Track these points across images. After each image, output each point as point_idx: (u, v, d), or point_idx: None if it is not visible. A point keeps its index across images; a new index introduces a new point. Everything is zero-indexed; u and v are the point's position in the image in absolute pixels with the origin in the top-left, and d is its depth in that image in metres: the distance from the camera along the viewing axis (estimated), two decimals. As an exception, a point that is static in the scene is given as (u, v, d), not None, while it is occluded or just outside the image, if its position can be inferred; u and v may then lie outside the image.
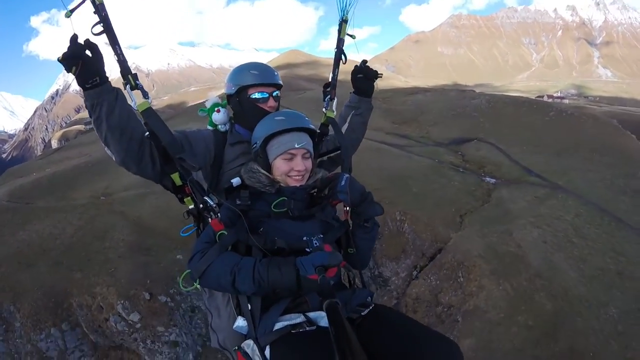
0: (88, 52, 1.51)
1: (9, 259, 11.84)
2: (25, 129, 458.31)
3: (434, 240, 14.94)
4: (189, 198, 1.86)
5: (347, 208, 1.77)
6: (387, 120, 40.36)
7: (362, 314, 1.51)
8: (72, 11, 1.55)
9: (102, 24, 1.57)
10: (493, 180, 20.80)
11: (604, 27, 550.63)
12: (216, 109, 2.03)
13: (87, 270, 11.45)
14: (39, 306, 10.52)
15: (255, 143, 1.76)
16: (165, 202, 16.02)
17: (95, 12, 1.56)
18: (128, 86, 1.66)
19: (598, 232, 14.22)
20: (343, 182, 1.66)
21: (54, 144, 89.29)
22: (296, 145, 1.67)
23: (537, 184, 19.98)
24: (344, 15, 2.18)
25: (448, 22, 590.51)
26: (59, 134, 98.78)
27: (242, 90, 1.96)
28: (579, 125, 32.47)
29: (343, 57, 2.26)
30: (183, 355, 11.08)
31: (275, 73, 2.06)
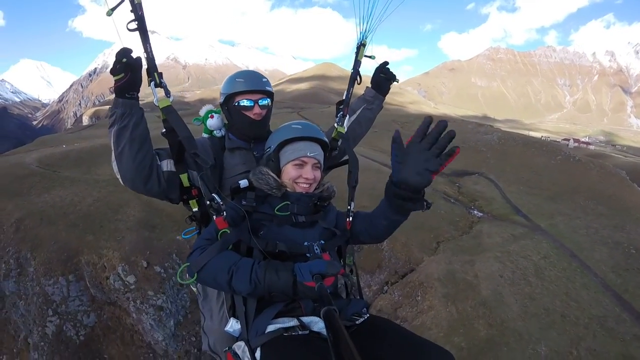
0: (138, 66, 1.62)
1: (33, 215, 13.88)
2: (60, 100, 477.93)
3: (408, 260, 16.26)
4: (194, 201, 1.89)
5: (350, 218, 1.82)
6: (398, 143, 41.82)
7: (357, 323, 1.52)
8: (112, 10, 1.63)
9: (137, 22, 1.65)
10: (480, 214, 22.14)
11: None
12: (210, 115, 2.05)
13: (99, 235, 13.36)
14: (52, 257, 12.45)
15: (268, 147, 1.80)
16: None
17: (132, 11, 1.64)
18: (153, 83, 1.73)
19: (559, 275, 15.05)
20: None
21: (85, 119, 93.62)
22: (308, 154, 1.72)
23: (520, 223, 21.13)
24: (362, 39, 2.27)
25: (485, 54, 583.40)
26: (91, 110, 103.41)
27: (230, 99, 1.99)
28: (584, 173, 32.96)
29: (358, 78, 2.36)
30: (165, 319, 12.78)
31: (264, 80, 2.05)
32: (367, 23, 2.19)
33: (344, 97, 2.33)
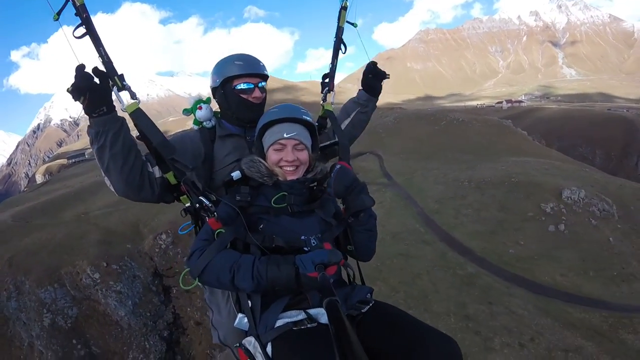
0: (96, 81, 1.49)
1: (20, 252, 19.82)
2: (8, 163, 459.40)
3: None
4: (185, 196, 1.79)
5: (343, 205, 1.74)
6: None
7: (362, 310, 1.51)
8: (58, 14, 1.52)
9: (84, 26, 1.54)
10: (356, 186, 28.03)
11: (567, 28, 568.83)
12: (198, 106, 1.97)
13: (71, 254, 19.53)
14: (41, 275, 18.52)
15: (254, 135, 1.77)
16: (125, 216, 24.27)
17: (76, 14, 1.52)
18: (115, 88, 1.59)
19: (383, 212, 19.76)
20: (332, 174, 1.67)
21: (39, 178, 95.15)
22: (285, 135, 1.65)
23: (382, 183, 26.74)
24: (342, 1, 2.16)
25: (417, 37, 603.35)
26: (42, 168, 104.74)
27: (227, 82, 1.90)
28: (464, 130, 39.72)
29: (343, 46, 2.23)
30: (125, 300, 19.12)
31: (261, 64, 1.96)
32: None
33: (328, 70, 2.26)
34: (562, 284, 15.20)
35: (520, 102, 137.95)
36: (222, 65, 1.93)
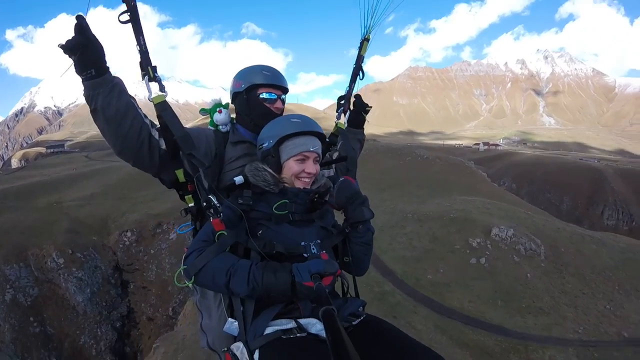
0: (91, 38, 1.44)
1: (-8, 230, 21.38)
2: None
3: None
4: (190, 196, 1.83)
5: (342, 212, 1.77)
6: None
7: (354, 323, 1.52)
8: None
9: (129, 14, 1.56)
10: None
11: (551, 78, 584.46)
12: (218, 109, 2.00)
13: (40, 237, 21.19)
14: (9, 253, 20.10)
15: (264, 143, 1.74)
16: (95, 210, 26.00)
17: (124, 1, 1.55)
18: (146, 77, 1.66)
19: None
20: (335, 186, 1.73)
21: (14, 162, 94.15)
22: (311, 149, 1.69)
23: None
24: (366, 33, 2.24)
25: (405, 73, 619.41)
26: (20, 153, 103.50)
27: (252, 89, 1.94)
28: (426, 167, 41.74)
29: (361, 73, 2.34)
30: (84, 287, 20.86)
31: (285, 79, 2.04)
32: (371, 18, 2.17)
33: (344, 93, 2.35)
34: (467, 309, 16.93)
35: (496, 145, 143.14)
36: (249, 72, 1.97)
